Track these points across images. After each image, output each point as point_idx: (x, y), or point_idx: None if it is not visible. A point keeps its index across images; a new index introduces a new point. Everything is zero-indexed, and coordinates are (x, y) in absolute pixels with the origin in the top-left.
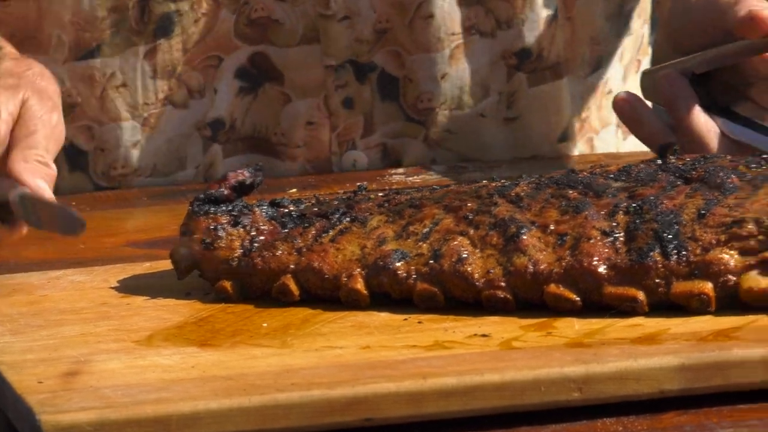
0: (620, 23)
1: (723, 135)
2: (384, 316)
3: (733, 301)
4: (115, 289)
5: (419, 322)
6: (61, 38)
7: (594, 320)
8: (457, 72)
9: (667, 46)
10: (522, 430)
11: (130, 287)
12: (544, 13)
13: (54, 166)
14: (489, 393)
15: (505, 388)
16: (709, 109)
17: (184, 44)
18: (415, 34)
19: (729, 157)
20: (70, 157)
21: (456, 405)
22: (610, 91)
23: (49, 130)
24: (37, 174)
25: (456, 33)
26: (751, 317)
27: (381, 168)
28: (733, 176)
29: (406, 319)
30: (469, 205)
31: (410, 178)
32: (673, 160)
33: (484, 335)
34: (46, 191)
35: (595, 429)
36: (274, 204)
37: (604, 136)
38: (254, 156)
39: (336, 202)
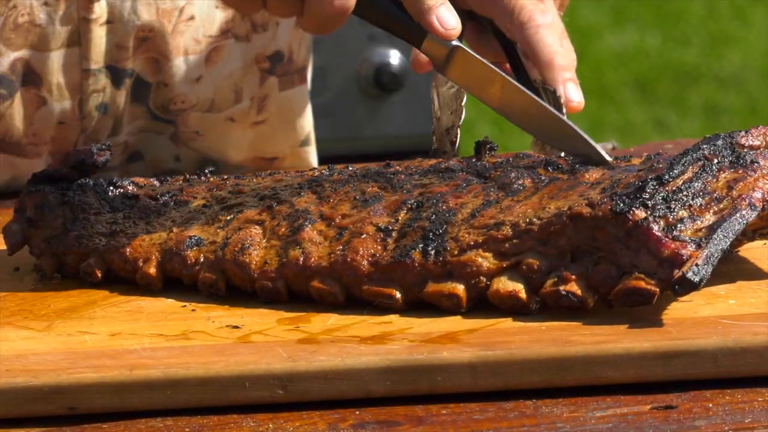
0: None
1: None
2: (167, 303)
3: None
4: None
5: (193, 310)
6: None
7: (350, 316)
8: (211, 75)
9: None
10: (232, 418)
11: None
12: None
13: None
14: (193, 387)
15: (209, 383)
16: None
17: None
18: (176, 38)
19: (534, 158)
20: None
21: (161, 398)
22: None
23: None
24: None
25: (213, 35)
26: (494, 320)
27: (123, 164)
28: (526, 178)
29: (184, 306)
30: (278, 194)
31: None
32: (486, 158)
33: (235, 327)
34: None
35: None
36: (112, 184)
37: None
38: None
39: (178, 184)
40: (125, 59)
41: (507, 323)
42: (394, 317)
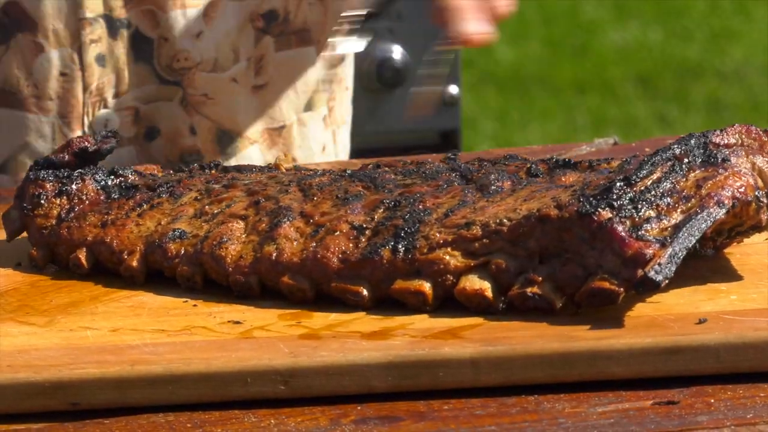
0: None
1: None
2: (169, 298)
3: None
4: None
5: (194, 306)
6: None
7: (351, 311)
8: (211, 32)
9: None
10: (234, 413)
11: None
12: None
13: None
14: (194, 383)
15: (210, 378)
16: None
17: None
18: None
19: (517, 162)
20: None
21: (162, 393)
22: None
23: None
24: None
25: None
26: (495, 316)
27: (141, 141)
28: (506, 180)
29: (185, 302)
30: (266, 190)
31: None
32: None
33: (237, 322)
34: None
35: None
36: (113, 173)
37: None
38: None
39: (178, 175)
40: (118, 8)
41: (508, 318)
42: (394, 312)
